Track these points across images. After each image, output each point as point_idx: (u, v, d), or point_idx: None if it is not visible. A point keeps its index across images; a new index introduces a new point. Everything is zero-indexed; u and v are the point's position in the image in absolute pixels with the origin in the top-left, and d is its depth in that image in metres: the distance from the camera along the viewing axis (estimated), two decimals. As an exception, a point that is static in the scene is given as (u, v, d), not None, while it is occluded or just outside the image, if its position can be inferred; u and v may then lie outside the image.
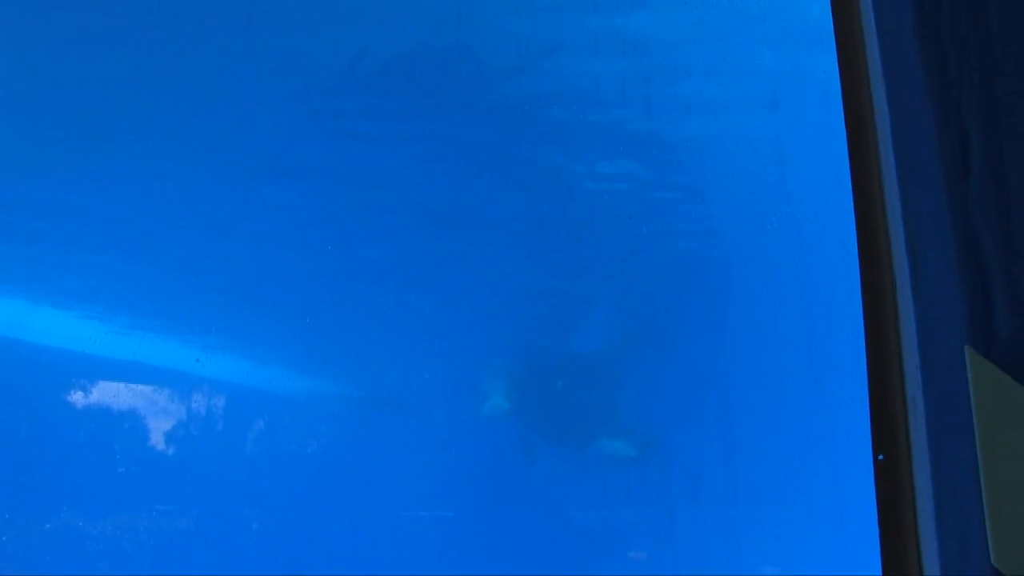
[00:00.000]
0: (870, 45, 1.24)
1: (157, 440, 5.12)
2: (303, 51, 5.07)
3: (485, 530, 4.25)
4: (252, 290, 5.06)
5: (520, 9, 4.79)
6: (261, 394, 5.07)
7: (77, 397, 5.18)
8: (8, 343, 5.42)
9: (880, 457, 1.27)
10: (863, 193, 1.32)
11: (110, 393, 5.15)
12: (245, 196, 5.09)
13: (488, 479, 4.40)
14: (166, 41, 5.01)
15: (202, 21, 5.00)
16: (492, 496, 4.35)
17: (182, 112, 5.12)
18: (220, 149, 5.06)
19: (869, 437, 1.31)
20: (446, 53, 4.88)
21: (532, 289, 4.66)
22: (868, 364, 1.30)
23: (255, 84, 5.03)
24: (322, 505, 4.64)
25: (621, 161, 4.56)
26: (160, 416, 5.12)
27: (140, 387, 5.14)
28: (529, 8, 4.78)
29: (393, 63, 4.96)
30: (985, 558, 0.98)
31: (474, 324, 4.85)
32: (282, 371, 5.07)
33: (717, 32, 4.37)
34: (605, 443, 4.28)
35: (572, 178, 4.66)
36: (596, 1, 4.65)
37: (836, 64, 1.36)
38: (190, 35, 5.04)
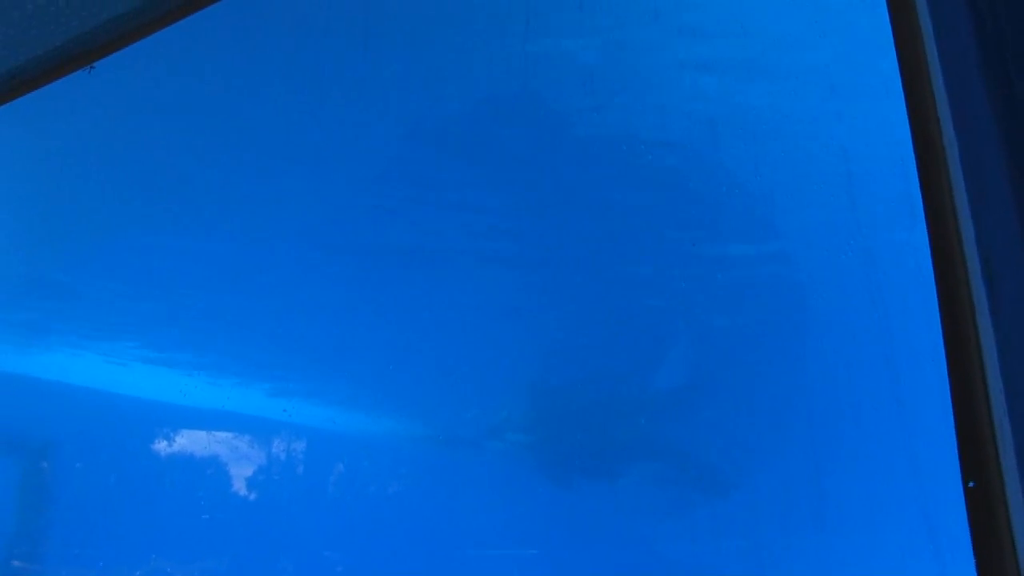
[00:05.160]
0: (935, 75, 1.24)
1: (240, 486, 5.23)
2: (370, 110, 5.22)
3: (570, 566, 4.22)
4: (334, 337, 5.17)
5: (587, 50, 4.85)
6: (341, 437, 5.15)
7: (163, 446, 5.34)
8: (100, 396, 5.65)
9: (971, 484, 1.24)
10: (937, 222, 1.31)
11: (196, 442, 5.29)
12: (324, 249, 5.23)
13: (570, 514, 4.38)
14: (236, 101, 5.22)
15: (266, 82, 5.20)
16: (576, 531, 4.32)
17: (254, 173, 5.30)
18: (299, 205, 5.22)
19: (957, 463, 1.29)
20: (514, 100, 4.96)
21: (609, 325, 4.66)
22: (952, 389, 1.28)
23: (323, 146, 5.19)
24: (406, 546, 4.67)
25: (691, 197, 4.56)
26: (242, 463, 5.23)
27: (223, 435, 5.27)
28: (596, 52, 4.84)
29: (461, 115, 5.07)
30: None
31: (550, 363, 4.86)
32: (362, 414, 5.15)
33: (786, 77, 4.36)
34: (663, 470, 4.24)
35: (644, 217, 4.67)
36: (674, 63, 4.68)
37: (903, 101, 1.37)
38: (257, 97, 5.24)
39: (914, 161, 1.40)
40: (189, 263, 5.25)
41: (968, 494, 1.25)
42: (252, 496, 5.26)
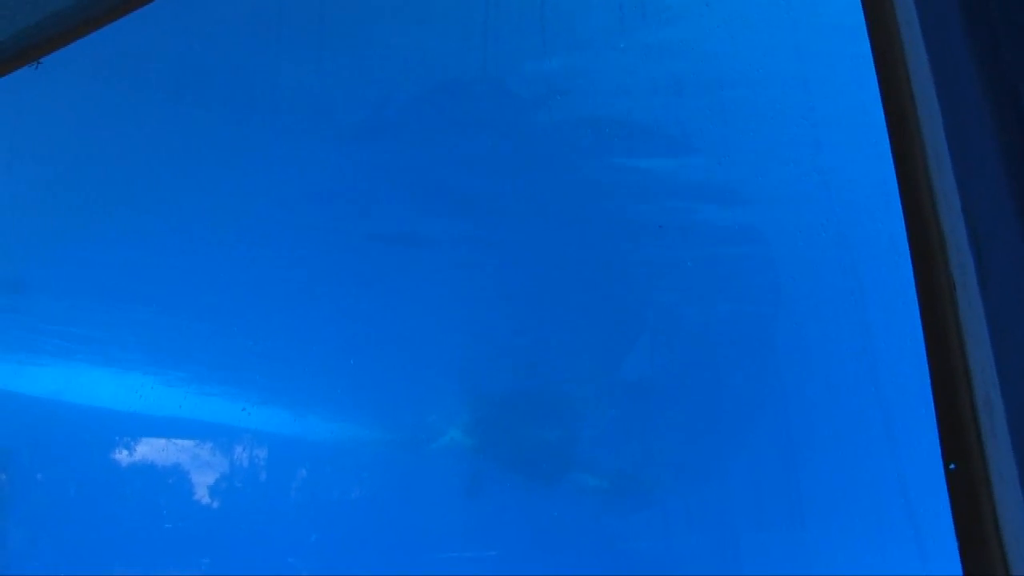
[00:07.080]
0: (908, 40, 1.21)
1: (202, 494, 5.14)
2: (333, 95, 5.15)
3: (533, 567, 4.20)
4: (292, 343, 5.10)
5: (546, 39, 4.83)
6: (303, 444, 5.09)
7: (123, 455, 5.23)
8: (56, 405, 5.51)
9: (951, 466, 1.21)
10: (911, 192, 1.28)
11: (156, 449, 5.19)
12: (280, 250, 5.16)
13: (532, 516, 4.35)
14: (186, 97, 5.12)
15: (232, 75, 5.11)
16: (539, 533, 4.29)
17: (207, 174, 5.21)
18: (257, 206, 5.15)
19: (938, 446, 1.26)
20: (474, 86, 4.93)
21: (576, 319, 4.64)
22: (930, 368, 1.25)
23: (286, 134, 5.12)
24: (367, 550, 4.62)
25: (656, 181, 4.55)
26: (204, 470, 5.14)
27: (185, 442, 5.18)
28: (555, 39, 4.82)
29: (422, 99, 5.02)
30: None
31: (512, 367, 4.83)
32: (322, 420, 5.09)
33: (755, 59, 4.36)
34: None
35: (607, 201, 4.65)
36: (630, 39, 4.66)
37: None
38: (221, 91, 5.15)
39: (888, 138, 1.36)
40: (143, 270, 5.14)
41: (949, 476, 1.22)
42: (215, 504, 5.18)
